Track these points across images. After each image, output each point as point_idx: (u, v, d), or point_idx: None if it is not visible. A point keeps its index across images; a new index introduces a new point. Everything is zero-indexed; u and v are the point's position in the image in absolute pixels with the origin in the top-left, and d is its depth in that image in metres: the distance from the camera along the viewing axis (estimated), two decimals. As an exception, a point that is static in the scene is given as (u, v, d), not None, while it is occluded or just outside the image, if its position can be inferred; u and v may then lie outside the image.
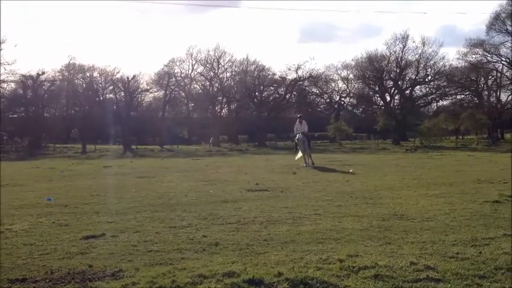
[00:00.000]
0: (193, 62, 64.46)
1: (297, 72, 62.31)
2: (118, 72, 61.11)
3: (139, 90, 62.32)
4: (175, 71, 64.66)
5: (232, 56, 65.24)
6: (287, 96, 65.27)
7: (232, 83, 65.86)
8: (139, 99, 65.83)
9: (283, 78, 63.42)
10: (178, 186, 14.02)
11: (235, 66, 65.73)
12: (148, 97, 69.63)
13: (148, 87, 64.66)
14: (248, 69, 64.86)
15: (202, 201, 10.73)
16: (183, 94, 66.94)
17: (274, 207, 9.63)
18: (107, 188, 14.30)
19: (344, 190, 12.50)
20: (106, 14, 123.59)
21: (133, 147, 50.06)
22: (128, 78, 55.69)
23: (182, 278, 4.99)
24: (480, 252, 5.79)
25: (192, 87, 67.45)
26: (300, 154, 22.76)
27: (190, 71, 65.05)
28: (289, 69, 62.55)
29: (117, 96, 61.20)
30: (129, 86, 56.11)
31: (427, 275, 4.91)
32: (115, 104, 60.24)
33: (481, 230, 7.18)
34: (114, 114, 55.65)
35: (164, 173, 19.86)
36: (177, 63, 64.53)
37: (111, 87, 61.90)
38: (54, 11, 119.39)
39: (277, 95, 65.47)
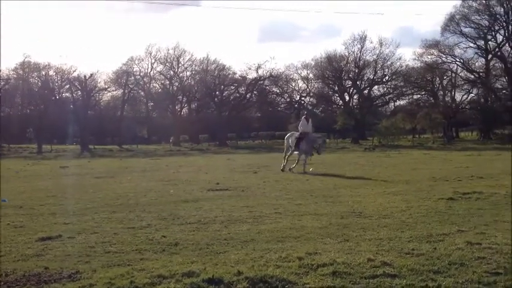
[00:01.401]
0: (153, 60, 63.90)
1: (257, 72, 62.53)
2: (75, 71, 59.85)
3: (96, 89, 61.22)
4: (134, 70, 63.98)
5: (192, 55, 64.93)
6: (248, 96, 65.38)
7: (193, 82, 65.51)
8: (97, 98, 64.66)
9: (244, 78, 63.53)
10: (138, 187, 13.86)
11: (196, 66, 65.47)
12: (107, 96, 68.48)
13: (106, 86, 63.57)
14: (208, 68, 64.68)
15: (162, 201, 10.64)
16: (142, 93, 66.18)
17: (235, 207, 9.64)
18: (64, 189, 13.99)
19: (304, 189, 12.61)
20: (62, 11, 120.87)
21: (91, 147, 49.21)
22: (85, 76, 54.63)
23: (141, 279, 4.93)
24: (435, 248, 5.94)
25: (151, 86, 66.84)
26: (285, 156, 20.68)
27: (149, 70, 64.46)
28: (250, 69, 62.71)
29: (74, 95, 59.88)
30: (86, 85, 55.04)
31: (384, 271, 5.01)
32: (72, 103, 58.97)
33: (436, 226, 7.37)
34: (71, 114, 54.51)
35: (123, 173, 19.60)
36: (136, 62, 63.85)
37: (67, 86, 60.51)
38: (9, 8, 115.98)
39: (237, 95, 65.52)
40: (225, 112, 61.96)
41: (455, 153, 32.85)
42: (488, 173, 16.09)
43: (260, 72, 62.53)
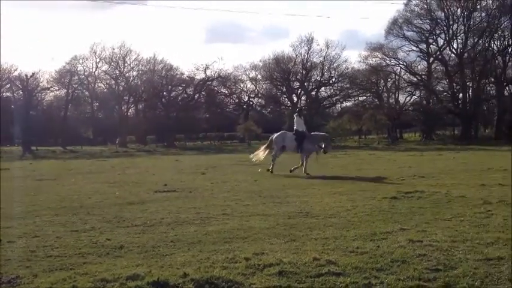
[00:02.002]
0: (98, 60, 62.52)
1: (205, 72, 62.37)
2: (16, 70, 57.81)
3: (39, 88, 59.36)
4: (78, 69, 62.45)
5: (138, 55, 63.85)
6: (196, 97, 65.07)
7: (139, 82, 64.52)
8: (39, 98, 62.72)
9: (192, 78, 63.19)
10: (82, 189, 13.51)
11: (142, 65, 64.44)
12: (50, 96, 66.52)
13: (49, 86, 61.74)
14: (155, 68, 63.87)
15: (107, 204, 10.41)
16: (86, 93, 64.78)
17: (182, 208, 9.54)
18: (4, 192, 13.45)
19: (252, 189, 12.63)
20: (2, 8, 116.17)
21: (34, 148, 47.57)
22: (26, 76, 52.86)
23: (83, 283, 4.81)
24: (378, 246, 6.07)
25: (96, 86, 65.43)
26: (259, 154, 19.76)
27: (94, 69, 63.07)
28: (198, 69, 62.50)
29: (15, 94, 57.95)
30: (28, 84, 53.24)
31: (329, 270, 5.08)
32: (13, 103, 56.99)
33: (380, 225, 7.53)
34: (12, 114, 52.58)
35: (67, 175, 19.06)
36: (80, 61, 62.28)
37: (8, 85, 58.41)
38: None
39: (185, 95, 65.09)
40: (173, 113, 61.40)
41: (399, 154, 33.76)
42: (430, 172, 16.61)
43: (208, 73, 62.49)
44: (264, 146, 19.93)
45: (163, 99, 62.94)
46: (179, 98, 64.77)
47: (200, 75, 62.91)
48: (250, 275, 5.04)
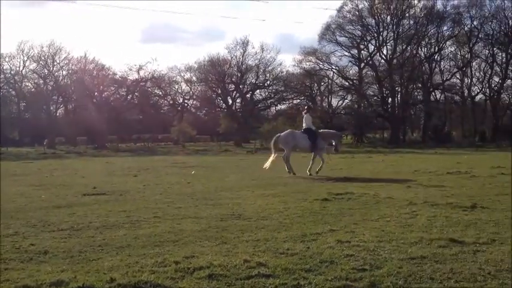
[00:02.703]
0: (25, 58, 60.05)
1: (138, 73, 61.21)
2: None
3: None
4: (5, 68, 59.73)
5: (69, 54, 61.75)
6: (129, 97, 63.78)
7: (69, 81, 62.46)
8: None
9: (124, 79, 61.89)
10: (6, 192, 12.89)
11: (73, 64, 62.35)
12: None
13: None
14: (86, 68, 62.01)
15: (32, 207, 9.99)
16: (13, 92, 61.99)
17: (112, 212, 9.30)
18: None
19: (185, 192, 12.51)
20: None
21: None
22: None
23: (3, 291, 4.59)
24: (308, 247, 6.16)
25: (23, 85, 62.76)
26: (270, 159, 18.50)
27: (21, 68, 60.52)
28: (131, 70, 61.20)
29: None
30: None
31: (259, 272, 5.10)
32: None
33: (311, 226, 7.64)
34: None
35: (-10, 177, 18.13)
36: (7, 59, 59.63)
37: None
38: None
39: (118, 96, 63.65)
40: (105, 114, 59.89)
41: (331, 156, 34.33)
42: (360, 174, 17.08)
43: (142, 73, 61.35)
44: (272, 148, 18.80)
45: (94, 100, 61.22)
46: (111, 99, 63.25)
47: (133, 76, 61.76)
48: (180, 279, 4.98)
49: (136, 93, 64.17)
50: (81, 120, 60.99)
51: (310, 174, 17.11)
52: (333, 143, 18.95)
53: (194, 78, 68.66)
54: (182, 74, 68.16)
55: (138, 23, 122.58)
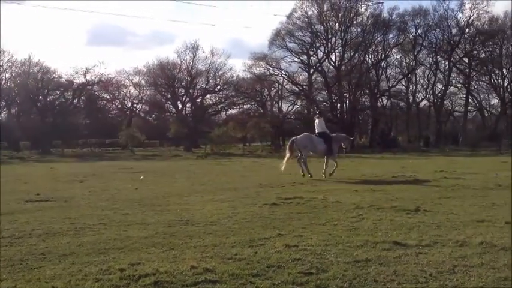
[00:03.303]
0: (-35, 60, 57.56)
1: (85, 76, 59.82)
2: None
3: None
4: None
5: (12, 56, 59.62)
6: (75, 101, 62.23)
7: (12, 85, 60.31)
8: None
9: (70, 82, 60.31)
10: None
11: (16, 67, 60.21)
12: None
13: None
14: (31, 71, 60.05)
15: (-30, 216, 9.57)
16: (-48, 96, 59.38)
17: (55, 219, 9.02)
18: None
19: (133, 198, 12.30)
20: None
21: None
22: None
23: None
24: (256, 252, 6.16)
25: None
26: (285, 161, 18.69)
27: (-39, 71, 57.99)
28: (77, 73, 59.71)
29: None
30: None
31: (206, 278, 5.07)
32: None
33: (259, 231, 7.65)
34: None
35: None
36: None
37: None
38: None
39: (63, 100, 61.97)
40: (50, 118, 58.17)
41: (281, 161, 34.66)
42: (309, 179, 17.24)
43: (88, 77, 59.98)
44: (288, 151, 18.88)
45: (38, 104, 59.38)
46: (56, 103, 61.49)
47: (80, 79, 60.31)
48: (124, 286, 4.90)
49: (82, 97, 62.66)
50: (25, 125, 59.07)
51: (325, 177, 17.47)
52: (343, 145, 19.38)
53: (143, 82, 67.79)
54: (131, 78, 67.18)
55: (85, 25, 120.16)
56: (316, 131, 19.03)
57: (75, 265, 5.72)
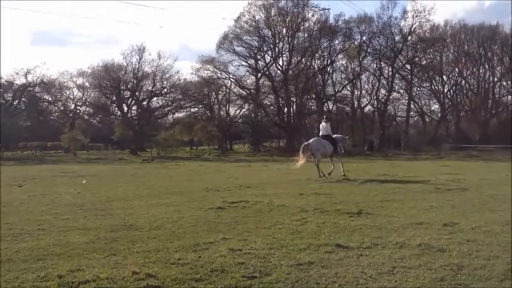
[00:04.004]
0: None
1: (26, 77, 57.95)
2: None
3: None
4: None
5: None
6: (15, 103, 60.11)
7: None
8: None
9: (10, 83, 58.26)
10: None
11: (-48, 67, 57.89)
12: None
13: None
14: (-32, 70, 57.83)
15: None
16: None
17: (-8, 225, 8.66)
18: None
19: (74, 202, 11.98)
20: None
21: None
22: None
23: None
24: (200, 257, 6.11)
25: None
26: (301, 162, 19.73)
27: None
28: (18, 74, 57.79)
29: None
30: None
31: (147, 283, 4.99)
32: None
33: (204, 235, 7.60)
34: None
35: None
36: None
37: None
38: None
39: (3, 101, 59.76)
40: (-12, 120, 56.02)
41: (228, 165, 34.77)
42: (255, 182, 17.32)
43: (30, 78, 58.18)
44: (302, 154, 19.84)
45: (-24, 105, 57.14)
46: (-5, 104, 59.33)
47: (21, 80, 58.37)
48: (63, 294, 4.74)
49: (23, 99, 60.65)
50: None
51: (344, 174, 19.04)
52: (341, 145, 20.73)
53: (87, 84, 66.39)
54: (74, 79, 65.65)
55: (29, 25, 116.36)
56: (321, 134, 20.55)
57: (11, 272, 5.51)
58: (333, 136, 20.67)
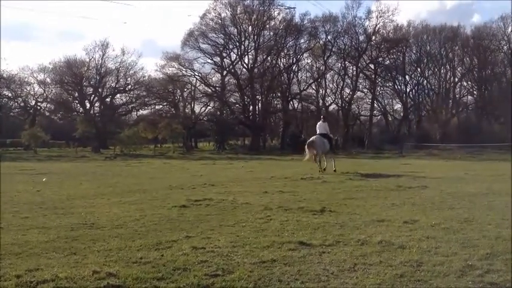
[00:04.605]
0: None
1: (-16, 73, 56.36)
2: None
3: None
4: None
5: None
6: (-27, 98, 58.50)
7: None
8: None
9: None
10: None
11: None
12: None
13: None
14: None
15: None
16: None
17: None
18: None
19: (34, 201, 11.72)
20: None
21: None
22: None
23: None
24: (162, 255, 6.06)
25: None
26: (308, 156, 21.21)
27: None
28: (-25, 69, 56.17)
29: None
30: None
31: (108, 282, 4.91)
32: None
33: (167, 233, 7.54)
34: None
35: None
36: None
37: None
38: None
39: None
40: None
41: (193, 162, 34.62)
42: (220, 180, 17.29)
43: (-12, 73, 56.60)
44: (308, 150, 21.08)
45: None
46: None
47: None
48: (21, 294, 4.63)
49: (-18, 94, 59.02)
50: None
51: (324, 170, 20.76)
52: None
53: (48, 79, 65.00)
54: (35, 75, 64.17)
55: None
56: (318, 132, 22.05)
57: (-34, 273, 5.35)
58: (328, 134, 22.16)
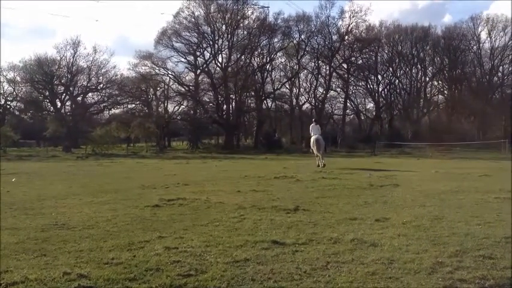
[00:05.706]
0: None
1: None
2: None
3: None
4: None
5: None
6: None
7: None
8: None
9: None
10: None
11: None
12: None
13: None
14: None
15: None
16: None
17: None
18: None
19: (3, 201, 11.46)
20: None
21: None
22: None
23: None
24: (134, 256, 6.00)
25: None
26: (317, 153, 23.76)
27: None
28: None
29: None
30: None
31: (79, 284, 4.85)
32: None
33: (139, 234, 7.47)
34: None
35: None
36: None
37: None
38: None
39: None
40: None
41: (166, 162, 34.39)
42: (193, 180, 17.22)
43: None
44: (316, 147, 23.61)
45: None
46: None
47: None
48: (-12, 297, 4.53)
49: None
50: None
51: (324, 166, 22.70)
52: None
53: (18, 78, 63.82)
54: (5, 74, 62.98)
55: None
56: (313, 133, 24.46)
57: None
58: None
